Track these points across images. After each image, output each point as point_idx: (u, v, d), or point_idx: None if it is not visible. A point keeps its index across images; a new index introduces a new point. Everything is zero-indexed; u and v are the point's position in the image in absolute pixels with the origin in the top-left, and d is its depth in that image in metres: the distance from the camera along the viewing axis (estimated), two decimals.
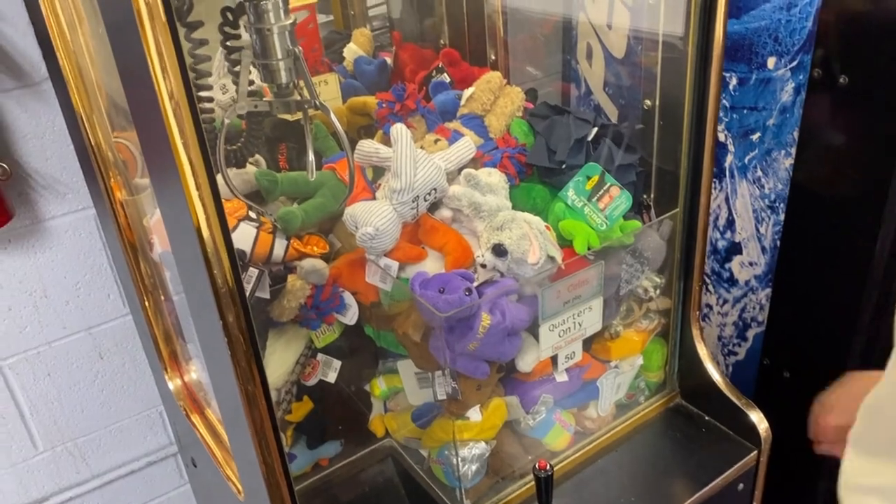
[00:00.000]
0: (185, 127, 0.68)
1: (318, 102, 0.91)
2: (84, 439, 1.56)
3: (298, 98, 0.92)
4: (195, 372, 1.26)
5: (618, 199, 1.11)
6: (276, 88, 0.90)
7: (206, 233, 0.73)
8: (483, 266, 1.10)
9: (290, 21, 0.86)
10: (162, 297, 1.20)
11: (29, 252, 1.38)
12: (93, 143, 1.07)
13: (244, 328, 0.77)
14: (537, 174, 1.21)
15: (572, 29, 1.54)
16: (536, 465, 1.03)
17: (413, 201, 1.09)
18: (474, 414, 1.12)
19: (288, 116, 1.00)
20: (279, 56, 0.87)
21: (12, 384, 1.45)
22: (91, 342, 1.50)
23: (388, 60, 1.45)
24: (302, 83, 0.91)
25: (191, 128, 0.68)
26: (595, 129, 1.17)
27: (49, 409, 1.50)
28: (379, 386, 1.23)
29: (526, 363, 1.13)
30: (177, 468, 1.70)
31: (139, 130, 0.78)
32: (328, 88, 1.29)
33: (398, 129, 1.08)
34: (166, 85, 0.66)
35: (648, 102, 1.22)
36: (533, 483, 1.11)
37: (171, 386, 1.26)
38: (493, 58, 1.47)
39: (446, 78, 1.35)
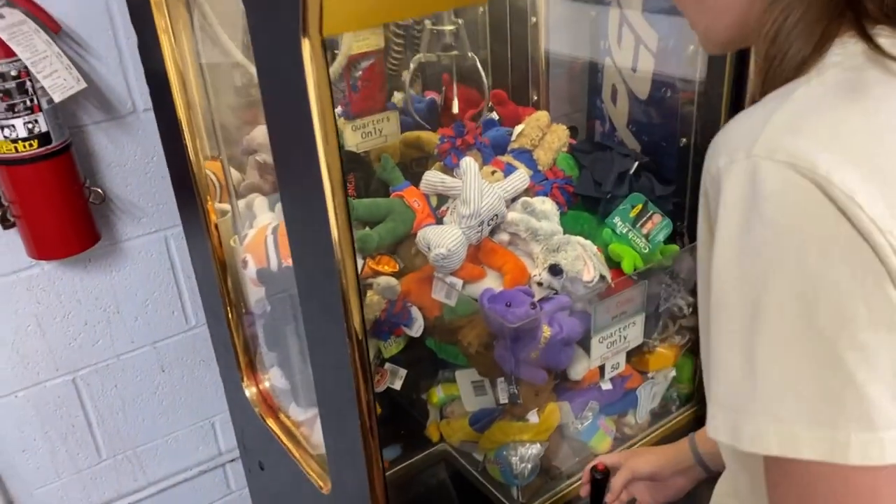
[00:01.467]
0: (331, 159, 0.80)
1: (470, 54, 1.45)
2: (143, 448, 1.66)
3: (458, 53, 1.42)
4: (268, 380, 1.37)
5: (660, 224, 1.25)
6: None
7: (337, 247, 0.85)
8: (539, 284, 1.23)
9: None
10: (243, 311, 1.31)
11: (106, 271, 1.49)
12: (194, 169, 1.19)
13: (363, 331, 0.89)
14: (582, 203, 1.35)
15: (598, 72, 1.69)
16: (596, 466, 1.13)
17: (479, 226, 1.22)
18: (532, 417, 1.24)
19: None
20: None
21: (83, 395, 1.54)
22: (155, 356, 1.61)
23: (437, 99, 1.58)
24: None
25: (335, 158, 0.81)
26: (636, 164, 1.31)
27: (114, 419, 1.60)
28: (437, 394, 1.35)
29: (577, 372, 1.25)
30: (224, 477, 1.80)
31: (279, 156, 0.90)
32: (390, 124, 1.42)
33: (467, 163, 1.21)
34: (321, 121, 0.78)
35: (684, 140, 1.36)
36: (577, 481, 1.23)
37: (247, 393, 1.36)
38: (536, 98, 1.61)
39: (495, 116, 1.49)
